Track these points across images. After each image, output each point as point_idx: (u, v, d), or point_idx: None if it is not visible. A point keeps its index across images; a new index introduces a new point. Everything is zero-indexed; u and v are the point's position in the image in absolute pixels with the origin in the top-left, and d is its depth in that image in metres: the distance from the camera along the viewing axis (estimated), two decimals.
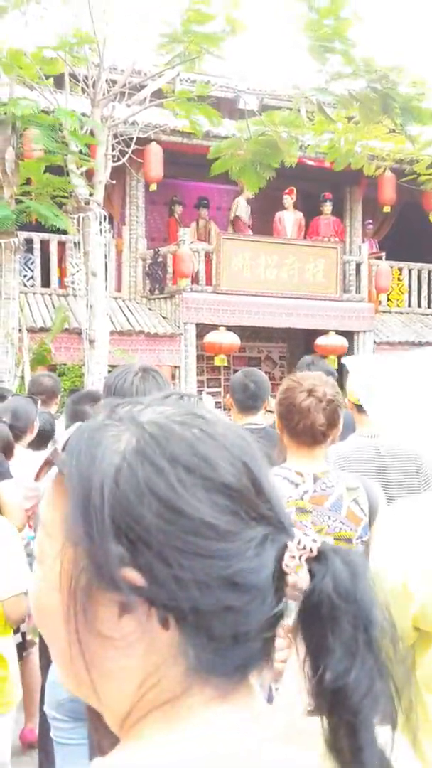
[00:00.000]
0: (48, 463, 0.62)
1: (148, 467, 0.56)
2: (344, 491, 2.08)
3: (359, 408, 2.88)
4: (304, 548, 0.56)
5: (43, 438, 3.77)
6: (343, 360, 1.50)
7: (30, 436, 3.60)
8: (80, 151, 6.89)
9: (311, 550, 0.56)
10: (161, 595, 0.54)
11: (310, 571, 0.56)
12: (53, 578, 0.58)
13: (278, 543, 0.57)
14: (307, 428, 2.05)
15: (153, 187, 10.84)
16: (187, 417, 0.60)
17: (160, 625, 0.55)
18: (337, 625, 0.55)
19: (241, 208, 12.30)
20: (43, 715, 3.31)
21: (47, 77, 6.95)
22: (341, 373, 4.89)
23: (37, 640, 3.33)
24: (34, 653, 3.45)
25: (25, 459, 3.33)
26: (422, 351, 1.45)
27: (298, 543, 0.57)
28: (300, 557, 0.56)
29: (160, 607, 0.55)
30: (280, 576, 0.56)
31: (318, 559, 0.57)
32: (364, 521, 2.06)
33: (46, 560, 0.60)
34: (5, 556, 2.47)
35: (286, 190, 12.16)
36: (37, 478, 0.77)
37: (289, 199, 12.30)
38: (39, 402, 3.90)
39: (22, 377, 7.71)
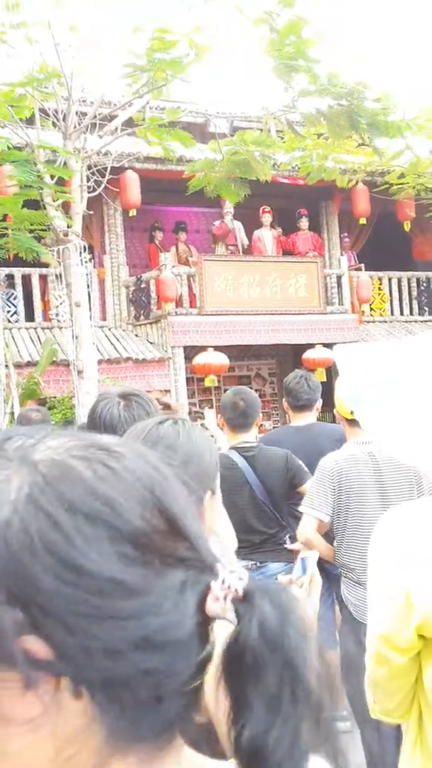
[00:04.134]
0: None
1: (42, 519, 0.48)
2: None
3: (350, 421, 2.88)
4: (229, 588, 0.50)
5: None
6: (334, 349, 1.49)
7: None
8: (59, 181, 6.93)
9: (236, 591, 0.50)
10: (68, 667, 0.47)
11: (236, 612, 0.50)
12: None
13: (200, 585, 0.51)
14: None
15: (132, 212, 10.91)
16: (88, 450, 0.52)
17: (70, 697, 0.48)
18: (260, 677, 0.49)
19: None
20: None
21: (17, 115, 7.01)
22: (330, 385, 4.90)
23: None
24: None
25: None
26: (413, 342, 1.42)
27: (222, 582, 0.51)
28: (225, 597, 0.50)
29: (70, 678, 0.47)
30: (203, 621, 0.51)
31: (244, 600, 0.50)
32: None
33: None
34: None
35: (263, 209, 12.28)
36: None
37: (267, 218, 12.42)
38: None
39: (12, 413, 7.68)
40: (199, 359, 10.84)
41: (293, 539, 3.35)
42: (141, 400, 1.92)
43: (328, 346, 11.52)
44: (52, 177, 7.02)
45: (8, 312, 11.05)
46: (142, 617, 0.48)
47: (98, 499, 0.49)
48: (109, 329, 11.63)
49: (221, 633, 0.52)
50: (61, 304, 10.47)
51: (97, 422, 1.87)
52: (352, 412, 2.64)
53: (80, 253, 7.23)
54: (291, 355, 12.69)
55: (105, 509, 0.49)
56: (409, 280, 13.53)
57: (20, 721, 0.47)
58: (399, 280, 13.43)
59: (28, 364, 9.73)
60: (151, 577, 0.49)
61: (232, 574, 0.51)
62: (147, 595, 0.49)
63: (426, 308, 13.60)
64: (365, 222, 12.54)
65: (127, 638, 0.48)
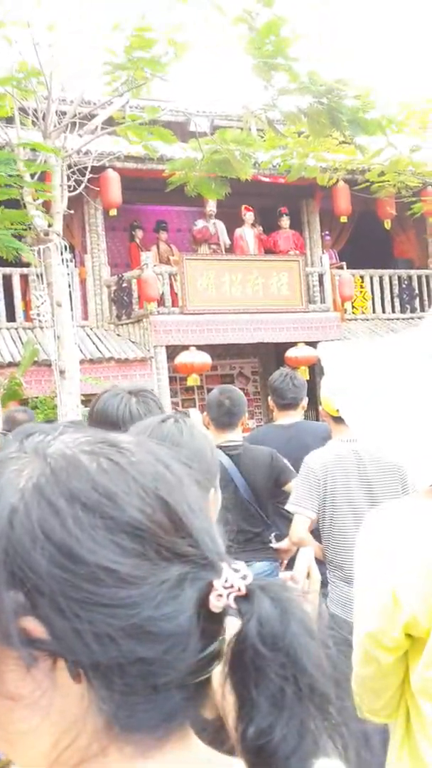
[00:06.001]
0: None
1: (44, 506, 0.51)
2: None
3: (336, 419, 2.88)
4: (232, 586, 0.51)
5: None
6: (318, 347, 1.49)
7: None
8: (39, 179, 6.87)
9: (239, 589, 0.51)
10: (62, 648, 0.49)
11: (239, 611, 0.51)
12: None
13: (200, 582, 0.52)
14: None
15: (113, 212, 10.88)
16: (97, 446, 0.55)
17: (70, 679, 0.50)
18: (261, 675, 0.50)
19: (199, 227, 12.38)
20: None
21: None
22: (313, 383, 4.91)
23: None
24: None
25: None
26: (397, 340, 1.42)
27: (225, 581, 0.52)
28: (228, 596, 0.51)
29: (69, 660, 0.49)
30: (208, 617, 0.52)
31: (246, 599, 0.51)
32: None
33: None
34: None
35: (245, 207, 12.29)
36: None
37: (250, 216, 12.43)
38: (9, 437, 3.85)
39: None
40: (182, 358, 10.82)
41: (278, 538, 3.35)
42: (152, 396, 1.87)
43: (311, 344, 11.55)
44: (32, 176, 6.97)
45: None
46: (133, 606, 0.49)
47: (98, 490, 0.51)
48: (91, 329, 11.57)
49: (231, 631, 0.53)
50: (42, 303, 10.37)
51: (104, 417, 1.76)
52: (338, 410, 2.65)
53: (61, 252, 7.19)
54: (274, 354, 12.71)
55: (103, 500, 0.51)
56: (390, 278, 13.60)
57: (23, 700, 0.50)
58: (380, 278, 13.50)
59: (10, 364, 9.66)
60: (146, 569, 0.50)
61: (236, 572, 0.52)
62: (139, 586, 0.50)
63: (407, 306, 13.68)
64: (346, 220, 12.58)
65: (117, 625, 0.49)
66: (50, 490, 0.51)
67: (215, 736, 0.58)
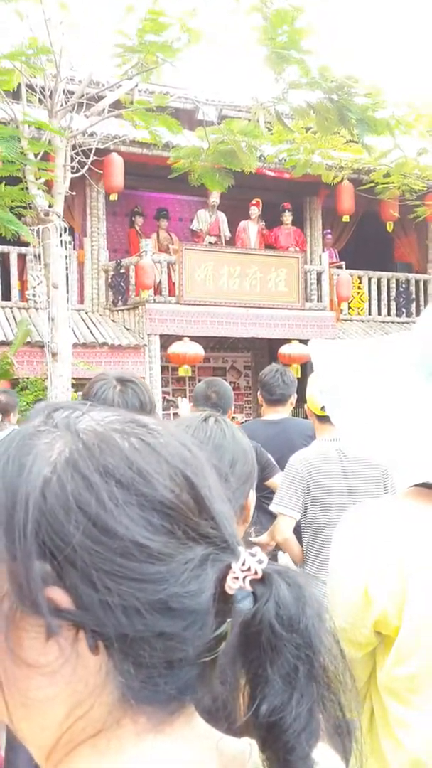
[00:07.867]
0: None
1: (79, 480, 0.52)
2: None
3: (320, 418, 2.88)
4: (248, 569, 0.53)
5: None
6: (310, 344, 1.48)
7: None
8: (42, 158, 6.81)
9: (256, 572, 0.53)
10: (88, 619, 0.51)
11: (254, 594, 0.53)
12: None
13: (220, 563, 0.54)
14: None
15: (113, 197, 10.82)
16: (127, 425, 0.56)
17: (89, 650, 0.51)
18: (277, 654, 0.52)
19: (202, 221, 12.32)
20: (9, 738, 3.22)
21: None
22: (304, 381, 4.91)
23: None
24: None
25: None
26: (389, 343, 1.42)
27: (242, 564, 0.54)
28: (244, 579, 0.53)
29: (89, 631, 0.51)
30: (222, 598, 0.54)
31: (262, 582, 0.54)
32: None
33: None
34: None
35: (253, 202, 12.25)
36: None
37: (255, 210, 12.39)
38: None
39: None
40: (175, 348, 10.79)
41: (258, 532, 3.34)
42: (137, 388, 1.89)
43: (305, 342, 11.51)
44: (35, 155, 6.91)
45: None
46: (161, 582, 0.51)
47: (131, 468, 0.53)
48: (86, 313, 11.53)
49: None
50: (38, 284, 10.34)
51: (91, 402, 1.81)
52: (322, 408, 2.64)
53: (60, 234, 7.13)
54: (267, 350, 12.70)
55: (137, 478, 0.53)
56: (388, 280, 13.60)
57: (42, 668, 0.51)
58: (379, 280, 13.49)
59: (2, 343, 9.61)
60: (173, 547, 0.52)
61: (252, 556, 0.54)
62: (167, 563, 0.52)
63: (404, 309, 13.69)
64: (348, 220, 12.56)
65: (144, 599, 0.51)
66: (84, 465, 0.52)
67: (224, 717, 0.60)
